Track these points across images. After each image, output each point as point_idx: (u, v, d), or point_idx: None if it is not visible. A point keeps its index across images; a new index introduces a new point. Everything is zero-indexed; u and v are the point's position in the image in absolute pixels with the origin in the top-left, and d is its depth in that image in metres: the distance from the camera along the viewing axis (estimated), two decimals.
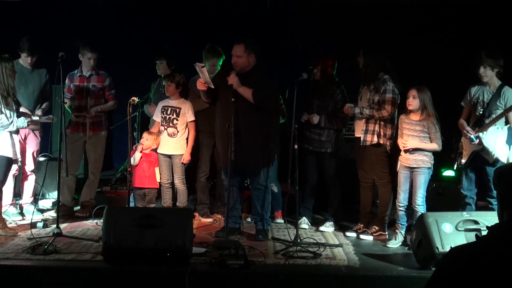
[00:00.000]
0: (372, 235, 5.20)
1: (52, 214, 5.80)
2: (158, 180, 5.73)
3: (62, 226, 5.09)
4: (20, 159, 5.46)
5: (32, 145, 5.87)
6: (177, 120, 5.75)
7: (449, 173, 6.39)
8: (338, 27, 6.97)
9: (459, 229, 4.12)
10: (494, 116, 4.88)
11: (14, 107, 5.00)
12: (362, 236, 5.22)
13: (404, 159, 4.93)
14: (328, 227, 5.49)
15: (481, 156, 4.95)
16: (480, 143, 4.90)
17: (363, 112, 5.17)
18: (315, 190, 5.74)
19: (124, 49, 7.16)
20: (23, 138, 5.73)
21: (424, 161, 4.84)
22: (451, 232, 4.09)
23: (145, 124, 6.45)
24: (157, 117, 5.86)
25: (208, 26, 7.17)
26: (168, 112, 5.78)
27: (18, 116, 5.04)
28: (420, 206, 4.83)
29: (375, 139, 5.15)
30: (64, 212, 5.62)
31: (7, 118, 4.89)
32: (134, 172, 5.69)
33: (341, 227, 5.57)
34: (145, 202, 5.68)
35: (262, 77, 4.97)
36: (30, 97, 5.75)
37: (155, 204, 5.78)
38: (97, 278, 4.07)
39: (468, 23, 6.81)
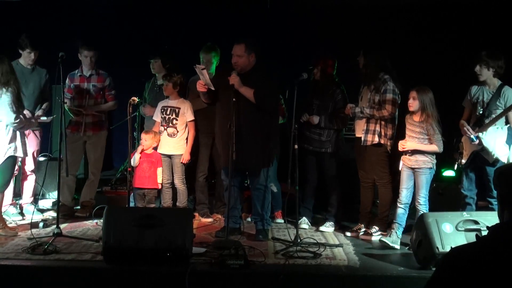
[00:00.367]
0: (372, 235, 5.19)
1: (52, 214, 5.80)
2: (160, 181, 5.71)
3: (62, 226, 5.09)
4: (20, 159, 5.46)
5: (32, 145, 5.87)
6: (176, 120, 5.75)
7: (449, 173, 6.39)
8: (338, 27, 6.98)
9: (459, 229, 4.12)
10: (494, 116, 4.88)
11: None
12: (362, 236, 5.22)
13: (406, 159, 4.94)
14: (328, 227, 5.49)
15: (481, 156, 4.95)
16: (480, 143, 4.90)
17: (363, 111, 5.17)
18: (315, 190, 5.74)
19: (124, 49, 7.16)
20: None
21: (426, 162, 4.84)
22: (451, 232, 4.09)
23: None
24: (157, 117, 5.87)
25: (208, 26, 7.18)
26: (168, 112, 5.78)
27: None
28: (423, 205, 4.84)
29: (376, 139, 5.15)
30: (64, 212, 5.62)
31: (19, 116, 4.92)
32: (135, 172, 5.69)
33: (341, 227, 5.57)
34: (145, 202, 5.68)
35: (263, 77, 4.97)
36: (30, 97, 5.75)
37: (155, 204, 5.77)
38: (97, 278, 4.07)
39: (468, 23, 6.81)
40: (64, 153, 5.09)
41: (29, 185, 6.04)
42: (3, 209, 5.23)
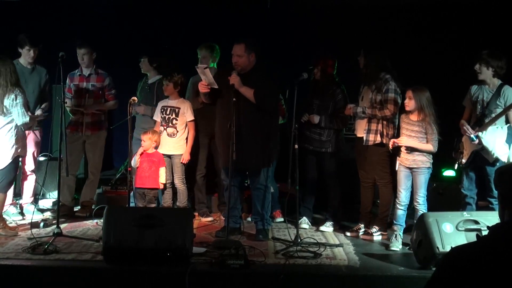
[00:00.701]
0: (373, 235, 5.19)
1: (52, 214, 5.79)
2: (163, 181, 5.69)
3: (62, 226, 5.09)
4: (20, 159, 5.47)
5: (32, 145, 5.87)
6: (176, 120, 5.75)
7: (449, 173, 6.39)
8: (338, 27, 6.97)
9: (460, 229, 4.12)
10: (493, 115, 4.87)
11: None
12: (362, 236, 5.22)
13: (403, 159, 4.92)
14: (328, 227, 5.49)
15: (481, 155, 4.95)
16: (480, 142, 4.89)
17: (365, 111, 5.17)
18: (315, 190, 5.74)
19: (124, 49, 7.16)
20: None
21: (423, 161, 4.84)
22: (451, 232, 4.09)
23: None
24: (157, 117, 5.87)
25: (208, 26, 7.17)
26: (168, 112, 5.78)
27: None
28: (421, 205, 4.84)
29: (378, 139, 5.14)
30: (64, 212, 5.62)
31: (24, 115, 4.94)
32: (136, 172, 5.69)
33: (341, 227, 5.57)
34: (145, 202, 5.68)
35: (263, 77, 4.98)
36: (30, 97, 5.74)
37: (155, 204, 5.77)
38: (97, 278, 4.07)
39: (468, 23, 6.81)
40: (64, 153, 5.10)
41: (29, 185, 6.04)
42: (3, 209, 5.23)
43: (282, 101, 5.84)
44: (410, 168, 4.89)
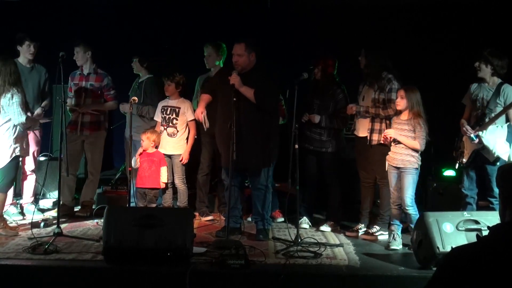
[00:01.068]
0: (373, 235, 5.19)
1: (52, 213, 5.80)
2: (164, 180, 5.69)
3: (62, 225, 5.08)
4: (21, 158, 5.47)
5: (32, 144, 5.86)
6: (176, 120, 5.75)
7: (449, 172, 6.39)
8: (338, 27, 6.97)
9: (460, 229, 4.12)
10: (493, 114, 4.87)
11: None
12: (362, 236, 5.22)
13: (391, 159, 4.89)
14: (328, 227, 5.49)
15: (482, 155, 4.95)
16: (480, 142, 4.89)
17: (368, 110, 5.17)
18: (315, 190, 5.74)
19: (124, 49, 7.16)
20: None
21: (411, 162, 4.79)
22: (451, 232, 4.09)
23: None
24: (157, 117, 5.87)
25: (208, 26, 7.17)
26: (168, 112, 5.78)
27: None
28: (411, 207, 4.77)
29: (382, 138, 5.13)
30: (64, 211, 5.61)
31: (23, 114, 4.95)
32: (137, 172, 5.69)
33: (341, 227, 5.57)
34: (146, 201, 5.68)
35: (263, 77, 4.98)
36: (29, 96, 5.74)
37: (156, 204, 5.77)
38: (97, 278, 4.07)
39: (468, 23, 6.81)
40: (64, 152, 5.10)
41: (29, 185, 6.04)
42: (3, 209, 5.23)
43: (282, 102, 5.84)
44: (398, 168, 4.86)
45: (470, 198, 5.12)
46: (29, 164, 5.96)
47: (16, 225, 5.38)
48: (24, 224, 5.42)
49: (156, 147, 5.73)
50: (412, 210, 4.77)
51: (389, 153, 4.92)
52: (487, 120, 4.89)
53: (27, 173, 6.00)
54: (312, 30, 7.07)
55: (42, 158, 6.48)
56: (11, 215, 5.64)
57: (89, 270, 4.13)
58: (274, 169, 5.35)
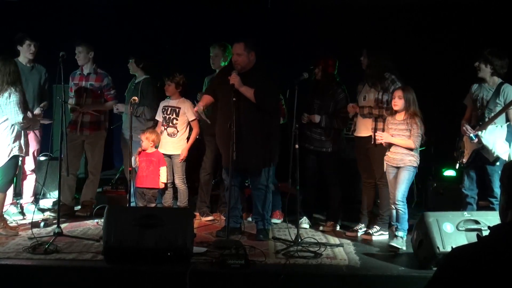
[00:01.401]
0: (373, 235, 5.19)
1: (52, 213, 5.80)
2: (163, 180, 5.69)
3: (62, 225, 5.08)
4: (21, 158, 5.47)
5: (32, 144, 5.86)
6: (176, 120, 5.75)
7: (450, 173, 6.40)
8: (338, 27, 6.98)
9: (460, 229, 4.11)
10: (493, 114, 4.87)
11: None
12: (362, 236, 5.22)
13: (390, 159, 4.87)
14: (328, 227, 5.49)
15: (482, 155, 4.95)
16: (480, 141, 4.90)
17: (372, 112, 5.17)
18: (315, 189, 5.74)
19: (124, 49, 7.16)
20: None
21: (411, 161, 4.78)
22: (452, 232, 4.09)
23: None
24: (159, 116, 5.87)
25: (208, 26, 7.18)
26: (168, 112, 5.79)
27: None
28: (400, 202, 4.72)
29: (377, 139, 5.13)
30: (64, 211, 5.61)
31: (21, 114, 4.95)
32: (137, 171, 5.70)
33: (341, 227, 5.57)
34: (145, 201, 5.68)
35: (262, 77, 4.98)
36: (29, 95, 5.75)
37: (155, 203, 5.77)
38: (97, 278, 4.07)
39: (468, 23, 6.81)
40: (64, 152, 5.10)
41: (29, 185, 6.04)
42: (3, 209, 5.23)
43: (282, 101, 5.84)
44: (398, 168, 4.86)
45: (471, 198, 5.12)
46: (29, 164, 5.96)
47: (16, 225, 5.37)
48: (24, 224, 5.42)
49: (156, 147, 5.73)
50: (401, 206, 4.73)
51: (387, 153, 4.92)
52: (486, 119, 4.89)
53: (27, 173, 6.01)
54: (312, 30, 7.08)
55: (42, 158, 6.48)
56: (11, 215, 5.63)
57: (89, 270, 4.13)
58: (275, 169, 5.36)
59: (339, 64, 5.63)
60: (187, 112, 5.76)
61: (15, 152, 4.96)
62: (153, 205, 5.67)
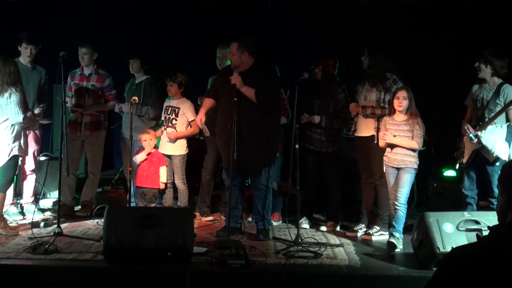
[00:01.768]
0: (373, 235, 5.18)
1: (52, 213, 5.79)
2: (163, 180, 5.69)
3: (63, 225, 5.07)
4: (21, 158, 5.47)
5: (32, 144, 5.87)
6: (176, 120, 5.75)
7: (450, 173, 6.40)
8: (338, 27, 6.98)
9: (460, 229, 4.11)
10: (493, 114, 4.87)
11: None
12: (363, 236, 5.22)
13: (390, 160, 4.87)
14: (328, 227, 5.49)
15: (482, 155, 4.95)
16: (479, 141, 4.89)
17: (374, 112, 5.17)
18: (315, 189, 5.74)
19: (124, 49, 7.16)
20: None
21: (412, 162, 4.79)
22: (452, 232, 4.09)
23: None
24: (163, 116, 5.89)
25: (208, 26, 7.18)
26: (168, 112, 5.79)
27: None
28: (402, 205, 4.73)
29: (381, 137, 5.12)
30: (65, 211, 5.61)
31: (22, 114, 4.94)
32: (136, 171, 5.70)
33: (341, 227, 5.57)
34: (145, 201, 5.68)
35: (262, 77, 4.98)
36: (29, 96, 5.74)
37: (155, 203, 5.77)
38: (97, 278, 4.07)
39: (468, 23, 6.81)
40: (65, 152, 5.10)
41: (29, 185, 6.04)
42: (3, 209, 5.23)
43: (286, 101, 5.83)
44: (398, 169, 4.86)
45: (471, 198, 5.12)
46: (29, 164, 5.96)
47: (16, 225, 5.38)
48: (24, 224, 5.42)
49: (156, 147, 5.73)
50: (402, 208, 4.73)
51: (386, 154, 4.91)
52: (486, 120, 4.89)
53: (27, 173, 6.00)
54: (312, 30, 7.08)
55: (42, 158, 6.48)
56: (11, 215, 5.63)
57: (89, 270, 4.13)
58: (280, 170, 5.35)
59: (339, 64, 5.64)
60: (187, 112, 5.76)
61: (15, 152, 4.96)
62: (153, 205, 5.67)
